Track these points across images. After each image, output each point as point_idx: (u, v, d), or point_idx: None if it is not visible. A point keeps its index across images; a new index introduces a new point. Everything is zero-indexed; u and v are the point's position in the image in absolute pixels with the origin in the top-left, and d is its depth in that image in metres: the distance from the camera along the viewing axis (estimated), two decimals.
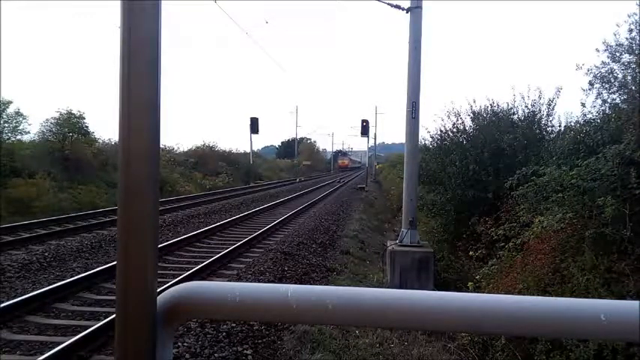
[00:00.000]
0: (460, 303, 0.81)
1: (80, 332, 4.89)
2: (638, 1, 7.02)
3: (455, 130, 11.75)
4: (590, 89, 7.79)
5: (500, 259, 6.62)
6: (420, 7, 8.39)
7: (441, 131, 12.07)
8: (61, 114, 19.49)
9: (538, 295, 3.85)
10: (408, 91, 8.53)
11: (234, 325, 5.36)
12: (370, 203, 23.08)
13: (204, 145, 34.11)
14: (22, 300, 5.79)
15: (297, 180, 40.14)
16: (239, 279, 7.46)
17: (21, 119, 19.96)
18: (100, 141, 21.79)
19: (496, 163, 10.09)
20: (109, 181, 18.13)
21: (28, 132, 20.15)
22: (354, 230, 13.67)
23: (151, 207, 0.81)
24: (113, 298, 5.83)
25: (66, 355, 4.45)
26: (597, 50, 7.77)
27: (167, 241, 9.96)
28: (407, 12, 8.46)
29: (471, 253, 8.13)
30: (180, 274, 7.37)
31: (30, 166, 15.76)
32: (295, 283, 7.26)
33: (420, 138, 9.58)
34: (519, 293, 5.03)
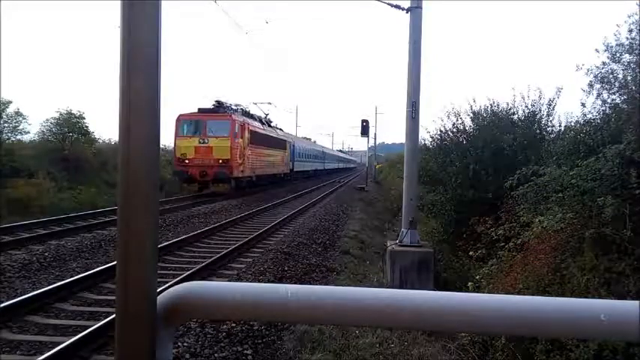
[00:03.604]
0: (460, 303, 0.81)
1: (80, 332, 4.90)
2: (638, 1, 7.02)
3: (455, 130, 11.74)
4: (590, 90, 7.78)
5: (500, 259, 6.61)
6: (420, 7, 8.38)
7: (441, 131, 12.07)
8: (61, 114, 19.54)
9: (538, 295, 3.85)
10: (408, 91, 8.51)
11: (234, 325, 5.36)
12: (370, 203, 23.06)
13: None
14: (22, 300, 5.79)
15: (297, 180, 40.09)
16: (239, 279, 7.46)
17: (21, 119, 20.05)
18: (100, 141, 21.84)
19: (496, 163, 10.08)
20: (109, 181, 18.13)
21: (28, 132, 20.26)
22: (354, 230, 13.66)
23: (151, 207, 0.81)
24: (113, 298, 5.83)
25: (66, 355, 4.45)
26: (597, 51, 7.76)
27: (167, 241, 9.96)
28: (407, 12, 8.45)
29: (471, 253, 8.12)
30: (181, 274, 7.37)
31: (30, 166, 15.77)
32: (295, 283, 7.26)
33: (420, 138, 9.59)
34: (519, 293, 5.03)
